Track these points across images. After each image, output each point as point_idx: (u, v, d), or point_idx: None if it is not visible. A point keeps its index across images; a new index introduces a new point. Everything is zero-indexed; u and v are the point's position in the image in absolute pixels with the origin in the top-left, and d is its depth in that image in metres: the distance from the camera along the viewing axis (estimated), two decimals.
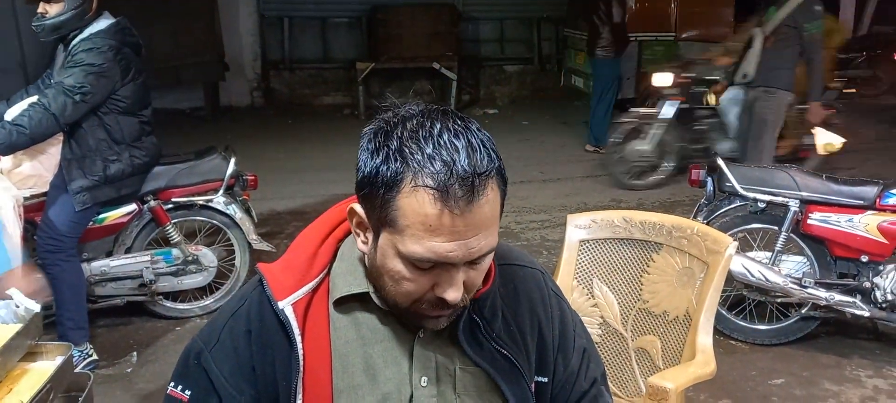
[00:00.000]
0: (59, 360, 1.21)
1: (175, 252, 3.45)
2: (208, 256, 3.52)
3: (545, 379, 1.12)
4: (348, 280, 1.02)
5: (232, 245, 3.60)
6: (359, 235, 0.99)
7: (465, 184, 0.85)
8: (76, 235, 3.05)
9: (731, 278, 3.19)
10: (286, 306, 0.99)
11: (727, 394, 2.91)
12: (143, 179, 3.21)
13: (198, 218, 3.54)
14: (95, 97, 2.82)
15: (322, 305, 1.02)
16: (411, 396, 1.02)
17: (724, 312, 3.33)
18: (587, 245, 2.07)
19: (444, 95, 9.22)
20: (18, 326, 1.18)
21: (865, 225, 3.00)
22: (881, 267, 3.03)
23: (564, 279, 2.06)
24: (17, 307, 1.23)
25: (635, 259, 2.00)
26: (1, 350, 1.12)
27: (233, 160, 3.48)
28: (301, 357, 0.98)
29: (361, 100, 8.56)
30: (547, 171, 6.27)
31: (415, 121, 0.90)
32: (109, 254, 3.37)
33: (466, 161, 0.86)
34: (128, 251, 3.39)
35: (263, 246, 3.58)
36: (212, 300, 3.61)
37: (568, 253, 2.08)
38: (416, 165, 0.86)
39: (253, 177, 3.64)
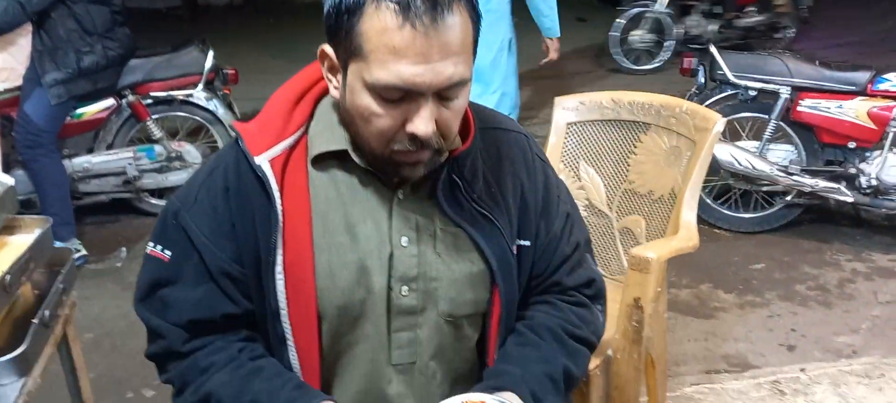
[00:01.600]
0: (37, 232, 1.19)
1: (158, 148, 3.41)
2: (192, 152, 3.47)
3: (527, 243, 1.11)
4: (326, 137, 1.00)
5: (215, 142, 3.55)
6: (331, 81, 0.97)
7: None
8: (54, 130, 2.98)
9: (717, 168, 3.21)
10: (263, 162, 0.97)
11: (709, 279, 2.98)
12: (118, 72, 3.11)
13: (179, 113, 3.47)
14: None
15: (300, 163, 1.00)
16: (391, 254, 1.01)
17: (709, 201, 3.36)
18: (575, 127, 2.04)
19: None
20: None
21: (855, 111, 2.99)
22: (868, 154, 3.04)
23: (552, 162, 2.04)
24: None
25: (623, 140, 1.98)
26: None
27: (211, 53, 3.37)
28: (280, 213, 0.97)
29: None
30: (542, 70, 6.15)
31: None
32: (91, 151, 3.32)
33: None
34: (109, 147, 3.34)
35: None
36: None
37: (556, 136, 2.05)
38: None
39: (233, 71, 3.55)
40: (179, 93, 3.35)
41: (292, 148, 1.00)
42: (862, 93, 2.98)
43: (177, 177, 3.46)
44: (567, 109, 2.05)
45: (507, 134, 1.13)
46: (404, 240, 1.02)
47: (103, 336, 2.65)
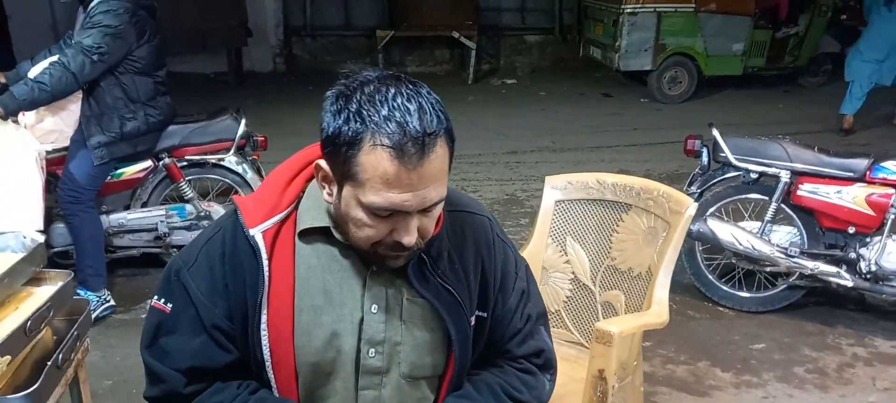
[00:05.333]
0: (59, 284, 1.37)
1: (188, 207, 3.64)
2: (220, 212, 3.69)
3: (485, 314, 1.25)
4: (313, 214, 1.16)
5: None
6: (324, 187, 1.11)
7: (416, 143, 0.98)
8: (95, 188, 3.24)
9: (721, 247, 3.28)
10: (256, 233, 1.13)
11: (707, 356, 3.01)
12: (157, 137, 3.38)
13: (210, 176, 3.71)
14: (112, 57, 2.99)
15: (288, 235, 1.16)
16: (361, 319, 1.16)
17: (713, 279, 3.42)
18: (562, 205, 2.18)
19: (463, 64, 9.27)
20: (24, 254, 1.35)
21: (854, 197, 3.05)
22: (868, 239, 3.08)
23: (540, 237, 2.18)
24: (25, 238, 1.40)
25: (606, 218, 2.11)
26: (7, 273, 1.29)
27: (243, 121, 3.62)
28: (267, 277, 1.13)
29: (382, 68, 8.65)
30: (558, 142, 6.34)
31: (372, 86, 1.02)
32: (127, 208, 3.57)
33: (418, 122, 0.98)
34: (144, 205, 3.59)
35: None
36: None
37: (544, 213, 2.19)
38: (374, 126, 0.98)
39: (263, 138, 3.79)
40: (212, 157, 3.60)
41: (283, 221, 1.16)
42: (860, 179, 3.05)
43: None
44: (556, 188, 2.19)
45: (473, 216, 1.28)
46: (374, 308, 1.16)
47: (122, 383, 2.81)
